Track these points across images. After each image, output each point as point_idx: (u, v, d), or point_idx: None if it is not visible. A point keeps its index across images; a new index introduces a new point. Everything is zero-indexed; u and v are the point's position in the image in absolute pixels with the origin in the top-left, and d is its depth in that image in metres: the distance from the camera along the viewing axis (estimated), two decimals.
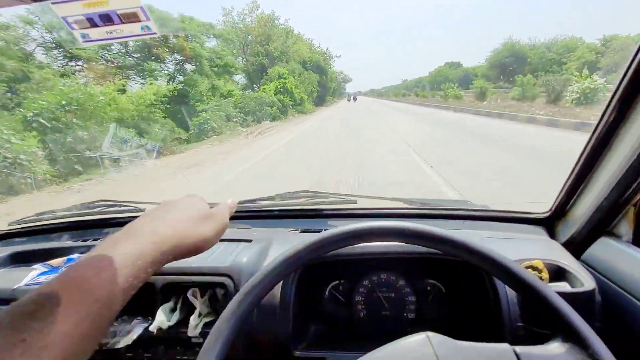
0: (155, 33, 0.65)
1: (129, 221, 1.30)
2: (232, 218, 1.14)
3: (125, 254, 0.34)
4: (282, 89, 20.58)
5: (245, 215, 1.10)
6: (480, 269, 0.67)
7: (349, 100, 46.85)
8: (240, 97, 16.99)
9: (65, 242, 1.08)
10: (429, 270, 0.83)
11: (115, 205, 1.16)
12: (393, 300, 0.83)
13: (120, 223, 1.15)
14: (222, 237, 0.92)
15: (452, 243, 0.45)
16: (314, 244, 0.46)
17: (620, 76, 0.58)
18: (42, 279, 0.89)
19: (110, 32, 0.63)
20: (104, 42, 0.68)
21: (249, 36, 26.02)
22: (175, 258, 0.39)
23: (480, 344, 0.38)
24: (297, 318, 0.74)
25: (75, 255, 0.98)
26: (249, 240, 0.89)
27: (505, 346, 0.38)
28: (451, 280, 0.81)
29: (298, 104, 22.45)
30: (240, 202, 1.12)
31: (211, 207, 0.49)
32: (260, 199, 1.10)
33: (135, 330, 0.67)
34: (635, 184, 0.60)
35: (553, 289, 0.58)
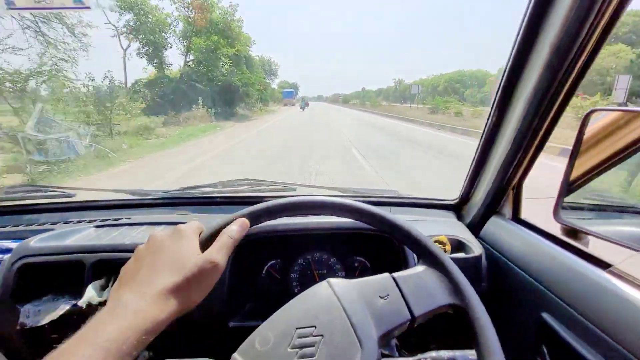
0: (88, 7, 0.65)
1: (55, 207, 1.23)
2: (172, 204, 1.14)
3: (110, 339, 0.32)
4: None
5: (185, 201, 1.11)
6: (392, 239, 0.78)
7: (302, 108, 31.68)
8: None
9: None
10: (357, 249, 0.92)
11: (39, 190, 1.09)
12: (325, 276, 0.91)
13: (45, 209, 1.08)
14: (159, 221, 0.93)
15: (371, 215, 0.54)
16: (284, 204, 0.52)
17: (492, 97, 0.73)
18: None
19: (39, 2, 0.62)
20: (30, 11, 0.66)
21: None
22: (157, 333, 0.37)
23: (367, 278, 0.47)
24: (234, 295, 0.78)
25: None
26: None
27: (385, 275, 0.47)
28: (374, 256, 0.92)
29: None
30: (181, 189, 1.13)
31: (207, 243, 0.45)
32: (201, 186, 1.12)
33: (62, 307, 0.66)
34: (510, 171, 0.75)
35: (451, 256, 0.71)
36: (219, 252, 0.43)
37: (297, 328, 0.43)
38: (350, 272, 0.92)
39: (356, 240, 0.91)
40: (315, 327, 0.42)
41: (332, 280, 0.47)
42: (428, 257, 0.50)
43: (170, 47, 17.50)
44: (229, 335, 0.74)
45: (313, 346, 0.41)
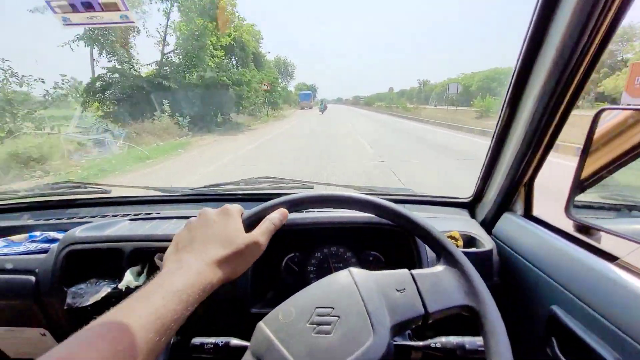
0: (132, 22, 0.73)
1: (94, 202, 1.35)
2: (198, 200, 1.22)
3: (180, 289, 0.39)
4: None
5: (210, 198, 1.18)
6: (407, 234, 0.81)
7: (322, 111, 30.40)
8: None
9: (26, 221, 1.09)
10: (371, 243, 0.96)
11: (80, 187, 1.19)
12: (341, 269, 0.95)
13: (85, 204, 1.18)
14: (187, 215, 1.01)
15: (394, 213, 0.59)
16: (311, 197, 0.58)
17: (503, 98, 0.76)
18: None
19: (91, 18, 0.70)
20: (83, 26, 0.74)
21: None
22: (208, 294, 0.43)
23: (386, 271, 0.51)
24: (257, 284, 0.84)
25: (37, 233, 1.00)
26: None
27: (404, 270, 0.51)
28: (389, 251, 0.95)
29: None
30: (205, 186, 1.20)
31: (249, 224, 0.52)
32: (225, 184, 1.19)
33: (104, 289, 0.73)
34: (521, 169, 0.77)
35: (463, 250, 0.74)
36: (263, 235, 0.50)
37: (317, 307, 0.47)
38: (365, 266, 0.95)
39: (370, 235, 0.94)
40: (334, 308, 0.47)
41: (353, 269, 0.51)
42: (447, 256, 0.52)
43: (139, 33, 12.52)
44: (250, 321, 0.80)
45: (329, 325, 0.45)
